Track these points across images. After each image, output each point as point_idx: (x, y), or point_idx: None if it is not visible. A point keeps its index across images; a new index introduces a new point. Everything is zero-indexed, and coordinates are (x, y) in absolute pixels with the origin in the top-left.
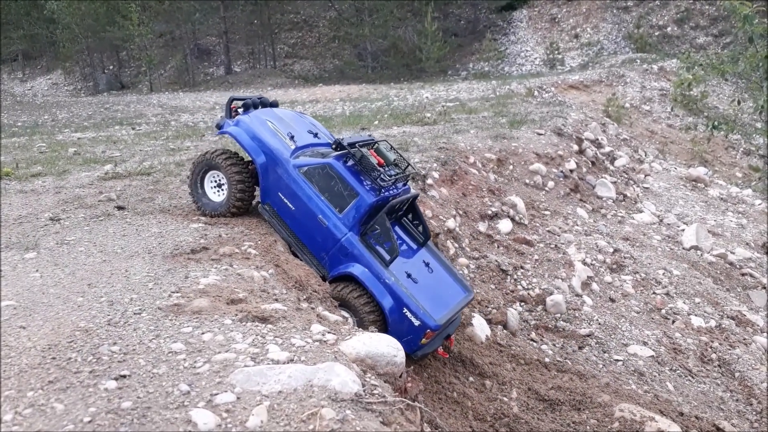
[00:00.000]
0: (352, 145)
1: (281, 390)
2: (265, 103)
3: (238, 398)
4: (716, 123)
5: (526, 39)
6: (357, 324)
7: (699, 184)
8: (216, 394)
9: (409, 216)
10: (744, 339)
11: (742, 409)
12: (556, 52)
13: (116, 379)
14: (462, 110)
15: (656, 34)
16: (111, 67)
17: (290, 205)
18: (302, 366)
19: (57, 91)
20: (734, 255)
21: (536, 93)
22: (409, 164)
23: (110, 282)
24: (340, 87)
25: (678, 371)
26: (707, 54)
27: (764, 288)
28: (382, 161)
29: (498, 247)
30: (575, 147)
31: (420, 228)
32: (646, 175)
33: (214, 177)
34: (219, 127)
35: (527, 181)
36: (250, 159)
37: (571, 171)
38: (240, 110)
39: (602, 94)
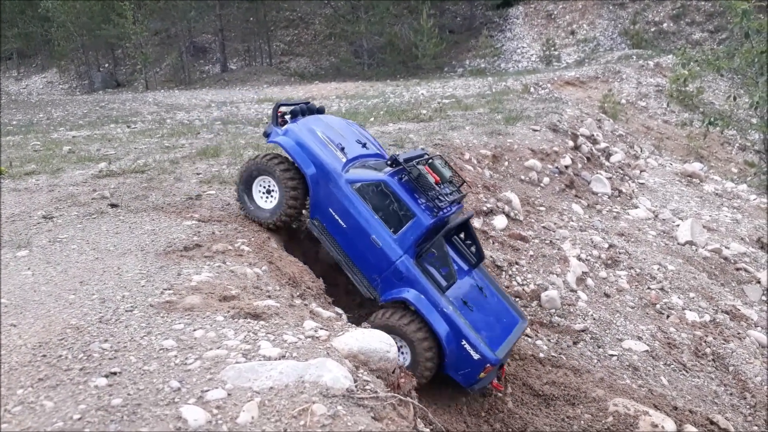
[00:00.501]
0: (408, 161)
1: (272, 386)
2: (312, 110)
3: (229, 394)
4: (712, 119)
5: (522, 35)
6: (410, 356)
7: (694, 180)
8: (207, 391)
9: (461, 235)
10: (738, 333)
11: (736, 403)
12: (552, 48)
13: (107, 376)
14: (458, 107)
15: (652, 30)
16: (106, 65)
17: (342, 222)
18: (294, 362)
19: (52, 89)
20: (729, 250)
21: (532, 89)
22: (464, 181)
23: (102, 279)
24: (337, 84)
25: (672, 366)
26: (703, 50)
27: (758, 282)
28: (438, 178)
29: (493, 243)
30: (570, 143)
31: (473, 249)
32: (641, 171)
33: (263, 183)
34: (266, 135)
35: (522, 177)
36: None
37: (567, 167)
38: (287, 117)
39: (598, 91)
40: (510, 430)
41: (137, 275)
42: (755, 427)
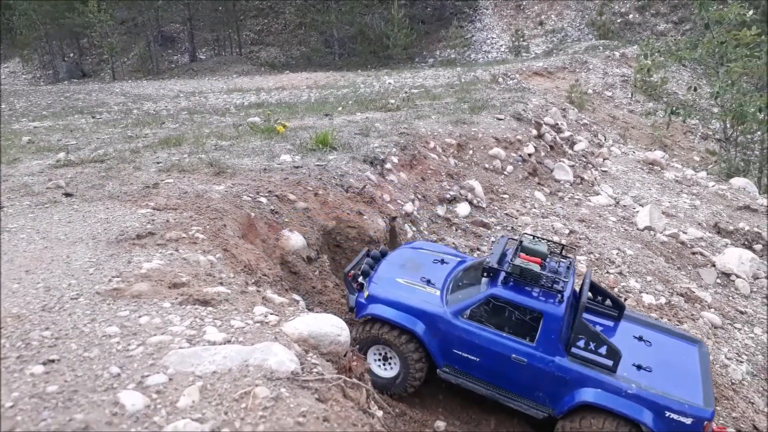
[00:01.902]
0: (501, 260)
1: (215, 370)
2: (375, 257)
3: (170, 379)
4: (675, 108)
5: (492, 26)
6: None
7: (656, 168)
8: (147, 376)
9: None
10: (692, 315)
11: None
12: (521, 39)
13: (44, 363)
14: (426, 97)
15: (618, 21)
16: (71, 55)
17: (473, 358)
18: (239, 346)
19: (15, 79)
20: (686, 235)
21: (501, 80)
22: (563, 247)
23: (49, 268)
24: (307, 74)
25: None
26: (666, 41)
27: (713, 266)
28: (539, 261)
29: (456, 230)
30: (534, 132)
31: (607, 302)
32: (604, 159)
33: (379, 350)
34: (352, 309)
35: (487, 165)
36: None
37: (530, 155)
38: (360, 279)
39: (566, 81)
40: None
41: (86, 263)
42: None
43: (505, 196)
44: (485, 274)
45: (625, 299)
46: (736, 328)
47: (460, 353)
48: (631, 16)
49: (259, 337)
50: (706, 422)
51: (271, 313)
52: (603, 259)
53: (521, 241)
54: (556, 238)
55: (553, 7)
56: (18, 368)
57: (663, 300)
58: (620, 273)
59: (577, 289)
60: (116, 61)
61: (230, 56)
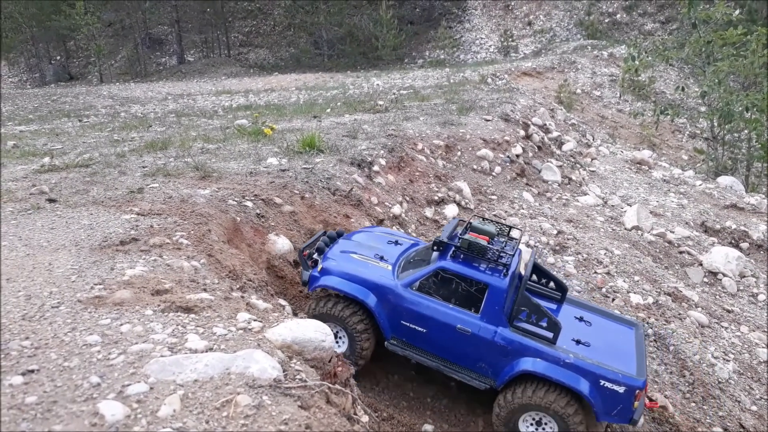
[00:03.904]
0: (452, 238)
1: (197, 379)
2: (331, 237)
3: (151, 388)
4: (662, 108)
5: (481, 26)
6: (560, 428)
7: (643, 167)
8: (128, 385)
9: (534, 276)
10: (679, 314)
11: (675, 381)
12: (510, 39)
13: (23, 374)
14: (415, 98)
15: (606, 20)
16: (58, 58)
17: (419, 329)
18: (221, 354)
19: (0, 83)
20: (674, 234)
21: (489, 80)
22: (510, 227)
23: (31, 276)
24: (296, 75)
25: None
26: (653, 41)
27: (700, 265)
28: (487, 237)
29: None
30: (522, 132)
31: (551, 284)
32: (592, 159)
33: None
34: (306, 283)
35: (475, 166)
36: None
37: (518, 156)
38: (315, 256)
39: (555, 81)
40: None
41: (68, 271)
42: (693, 404)
43: (493, 197)
44: (436, 248)
45: (613, 299)
46: (722, 326)
47: (408, 324)
48: (618, 15)
49: (242, 344)
50: (638, 391)
51: (255, 320)
52: (591, 259)
53: (471, 222)
54: (544, 239)
55: (541, 8)
56: None
57: (650, 300)
58: (608, 273)
59: (523, 270)
60: (103, 64)
61: (219, 58)
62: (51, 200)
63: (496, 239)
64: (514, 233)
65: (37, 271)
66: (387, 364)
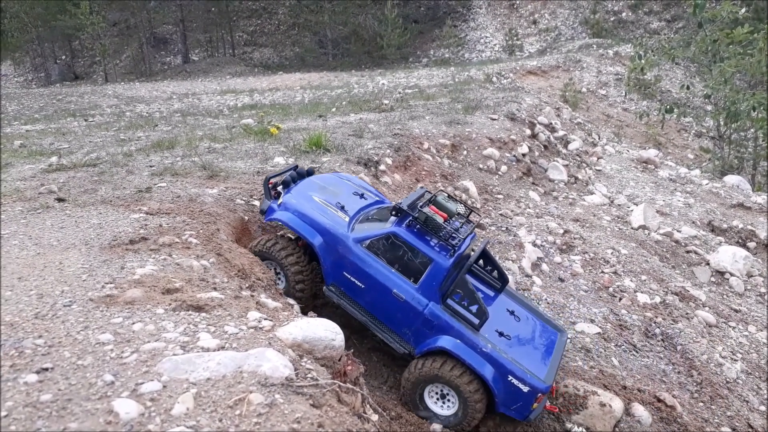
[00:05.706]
0: (411, 206)
1: (209, 377)
2: (301, 174)
3: (164, 387)
4: (668, 107)
5: (486, 25)
6: (458, 401)
7: (650, 166)
8: (141, 384)
9: (480, 262)
10: (686, 314)
11: (683, 381)
12: (515, 38)
13: (38, 372)
14: (420, 97)
15: (611, 19)
16: (63, 57)
17: (359, 283)
18: (233, 353)
19: (6, 82)
20: (680, 233)
21: (495, 79)
22: (471, 210)
23: (42, 275)
24: (301, 75)
25: (623, 346)
26: (659, 39)
27: (708, 264)
28: (445, 215)
29: None
30: (528, 131)
31: (495, 273)
32: (598, 158)
33: (269, 265)
34: (263, 212)
35: (481, 165)
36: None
37: (524, 155)
38: (279, 188)
39: (560, 80)
40: None
41: (79, 270)
42: (701, 404)
43: (500, 196)
44: (394, 213)
45: (620, 299)
46: (730, 326)
47: (350, 277)
48: (624, 14)
49: (253, 342)
50: (540, 394)
51: (265, 318)
52: (598, 258)
53: (435, 196)
54: (550, 238)
55: (546, 6)
56: (11, 377)
57: (658, 299)
58: (615, 272)
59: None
60: (108, 63)
61: (223, 57)
62: (60, 199)
63: (453, 219)
64: (473, 217)
65: (48, 270)
66: (394, 364)
